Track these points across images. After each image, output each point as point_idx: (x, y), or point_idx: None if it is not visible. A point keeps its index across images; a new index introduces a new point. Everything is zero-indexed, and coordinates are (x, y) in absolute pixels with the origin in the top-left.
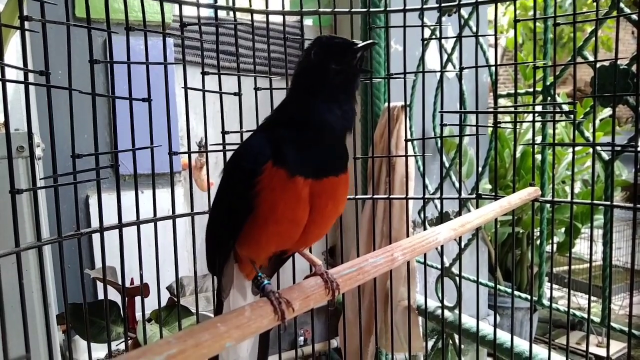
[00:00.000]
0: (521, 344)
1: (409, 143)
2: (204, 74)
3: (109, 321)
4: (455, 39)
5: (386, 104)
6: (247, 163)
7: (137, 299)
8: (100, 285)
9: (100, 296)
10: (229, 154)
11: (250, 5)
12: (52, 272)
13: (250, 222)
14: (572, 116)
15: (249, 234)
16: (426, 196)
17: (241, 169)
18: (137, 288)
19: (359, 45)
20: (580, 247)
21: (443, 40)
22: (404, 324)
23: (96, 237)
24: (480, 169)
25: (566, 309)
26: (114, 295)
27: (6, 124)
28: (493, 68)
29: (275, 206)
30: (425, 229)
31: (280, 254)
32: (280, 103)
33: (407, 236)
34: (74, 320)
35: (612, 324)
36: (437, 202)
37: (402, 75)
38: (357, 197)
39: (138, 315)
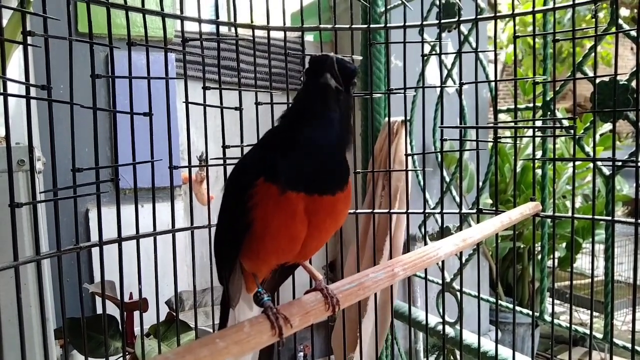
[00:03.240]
0: None
1: (409, 157)
2: (205, 88)
3: (107, 336)
4: (455, 54)
5: (386, 118)
6: (240, 179)
7: (136, 313)
8: (98, 299)
9: (99, 311)
10: (229, 168)
11: (252, 21)
12: (51, 286)
13: (249, 237)
14: (572, 131)
15: (249, 248)
16: (427, 211)
17: (235, 184)
18: (135, 303)
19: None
20: (582, 262)
21: (443, 56)
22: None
23: (95, 251)
24: (480, 183)
25: (568, 325)
26: (113, 310)
27: (7, 137)
28: (493, 83)
29: (269, 222)
30: (426, 243)
31: (282, 265)
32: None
33: (408, 251)
34: (72, 335)
35: (614, 340)
36: (438, 216)
37: (402, 91)
38: (357, 211)
39: (136, 330)
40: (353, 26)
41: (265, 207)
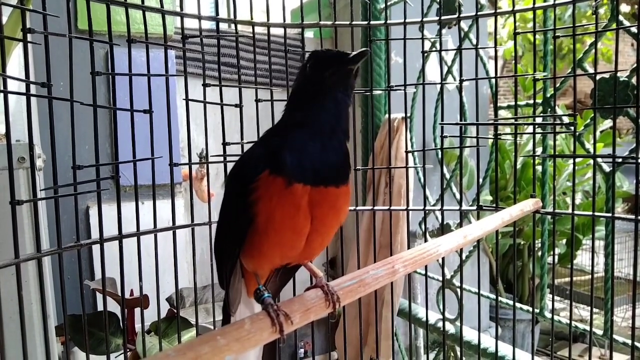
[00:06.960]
0: (523, 357)
1: (410, 154)
2: (205, 85)
3: (108, 333)
4: (455, 51)
5: (387, 115)
6: (244, 172)
7: (137, 310)
8: (99, 296)
9: (100, 307)
10: (229, 165)
11: (252, 18)
12: (52, 283)
13: (252, 233)
14: (572, 128)
15: (252, 244)
16: (427, 207)
17: (239, 178)
18: (136, 299)
19: (352, 55)
20: (582, 258)
21: (443, 53)
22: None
23: (96, 248)
24: (481, 180)
25: (568, 321)
26: (114, 307)
27: (7, 135)
28: (493, 80)
29: (273, 215)
30: (426, 240)
31: (285, 266)
32: (281, 117)
33: (408, 247)
34: (73, 332)
35: (614, 336)
36: (438, 213)
37: (402, 87)
38: (357, 208)
39: (137, 327)
40: (353, 23)
41: (270, 200)
